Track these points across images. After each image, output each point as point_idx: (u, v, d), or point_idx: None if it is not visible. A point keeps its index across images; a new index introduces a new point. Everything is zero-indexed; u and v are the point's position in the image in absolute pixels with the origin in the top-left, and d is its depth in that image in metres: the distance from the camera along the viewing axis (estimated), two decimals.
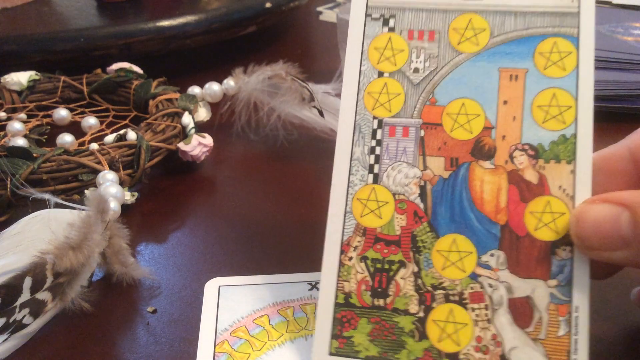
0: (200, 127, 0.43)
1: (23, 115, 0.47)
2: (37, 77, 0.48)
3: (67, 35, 0.51)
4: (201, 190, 0.39)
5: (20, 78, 0.47)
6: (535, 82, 0.25)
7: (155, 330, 0.27)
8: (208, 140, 0.40)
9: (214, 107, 0.46)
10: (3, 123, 0.45)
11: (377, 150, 0.25)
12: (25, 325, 0.26)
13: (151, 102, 0.44)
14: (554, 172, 0.24)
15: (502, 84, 0.25)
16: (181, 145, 0.39)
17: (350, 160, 0.25)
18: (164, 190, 0.39)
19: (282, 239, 0.33)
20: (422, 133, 0.25)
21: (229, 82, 0.45)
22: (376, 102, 0.26)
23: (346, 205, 0.25)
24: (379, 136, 0.25)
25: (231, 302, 0.28)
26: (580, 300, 0.23)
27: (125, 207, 0.35)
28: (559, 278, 0.23)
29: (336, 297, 0.24)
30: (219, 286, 0.29)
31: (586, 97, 0.24)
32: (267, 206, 0.37)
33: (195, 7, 0.59)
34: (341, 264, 0.25)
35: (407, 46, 0.26)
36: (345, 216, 0.25)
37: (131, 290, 0.30)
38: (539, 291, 0.23)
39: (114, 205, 0.31)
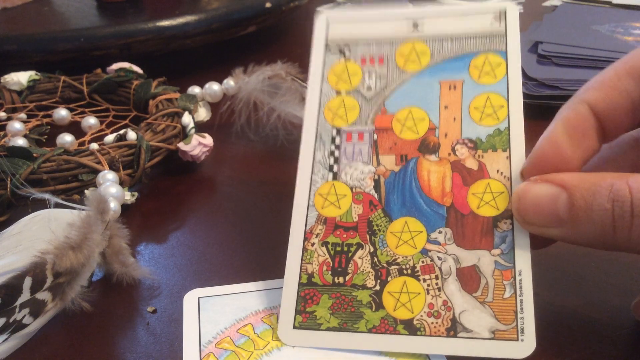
0: (200, 127, 0.43)
1: (23, 115, 0.47)
2: (37, 77, 0.48)
3: (67, 35, 0.51)
4: (201, 190, 0.39)
5: (20, 78, 0.47)
6: (471, 89, 0.29)
7: (155, 330, 0.27)
8: (208, 140, 0.40)
9: (214, 107, 0.46)
10: (3, 123, 0.45)
11: (336, 153, 0.29)
12: (25, 325, 0.26)
13: (151, 102, 0.44)
14: (491, 159, 0.27)
15: (442, 93, 0.29)
16: (181, 145, 0.39)
17: (313, 162, 0.29)
18: (164, 190, 0.39)
19: (283, 239, 0.33)
20: (375, 137, 0.29)
21: (229, 82, 0.45)
22: (335, 115, 0.30)
23: (309, 199, 0.28)
24: (337, 142, 0.29)
25: (212, 313, 0.27)
26: (523, 265, 0.25)
27: (125, 207, 0.35)
28: (501, 247, 0.26)
29: (300, 278, 0.27)
30: (199, 297, 0.28)
31: (516, 97, 0.28)
32: (267, 206, 0.37)
33: (195, 7, 0.59)
34: (304, 249, 0.27)
35: (361, 70, 0.31)
36: (308, 209, 0.28)
37: (131, 290, 0.30)
38: (484, 260, 0.25)
39: (114, 205, 0.32)
